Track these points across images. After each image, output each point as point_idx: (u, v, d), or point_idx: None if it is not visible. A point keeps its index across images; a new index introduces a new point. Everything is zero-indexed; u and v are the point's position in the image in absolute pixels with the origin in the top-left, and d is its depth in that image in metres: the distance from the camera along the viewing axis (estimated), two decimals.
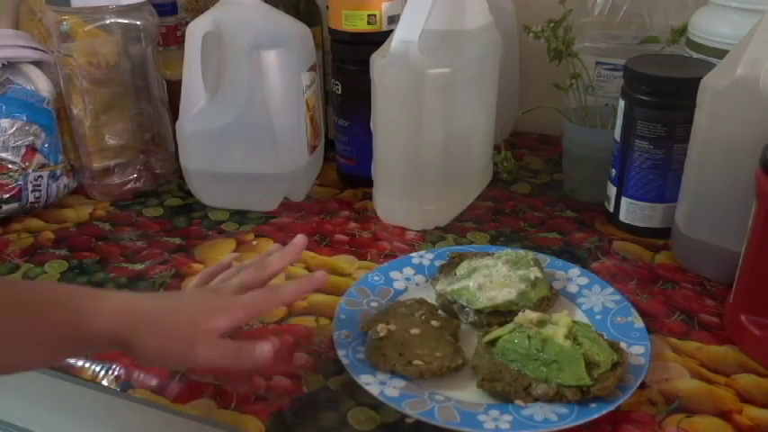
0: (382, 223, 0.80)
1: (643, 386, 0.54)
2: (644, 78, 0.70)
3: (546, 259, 0.69)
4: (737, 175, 0.62)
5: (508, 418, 0.51)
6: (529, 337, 0.54)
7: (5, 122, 0.79)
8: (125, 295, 0.52)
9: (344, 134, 0.87)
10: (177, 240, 0.78)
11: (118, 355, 0.60)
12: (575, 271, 0.68)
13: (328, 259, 0.73)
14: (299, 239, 0.60)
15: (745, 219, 0.58)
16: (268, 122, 0.79)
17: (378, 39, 0.77)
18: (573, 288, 0.66)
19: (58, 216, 0.84)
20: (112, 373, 0.59)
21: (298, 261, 0.64)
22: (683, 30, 0.77)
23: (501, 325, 0.58)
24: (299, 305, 0.66)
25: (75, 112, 0.84)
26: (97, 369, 0.59)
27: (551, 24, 0.79)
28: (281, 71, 0.78)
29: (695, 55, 0.75)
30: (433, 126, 0.73)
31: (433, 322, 0.59)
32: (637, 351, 0.56)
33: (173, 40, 0.95)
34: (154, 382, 0.57)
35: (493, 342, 0.56)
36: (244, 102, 0.78)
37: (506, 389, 0.53)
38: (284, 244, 0.76)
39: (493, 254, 0.67)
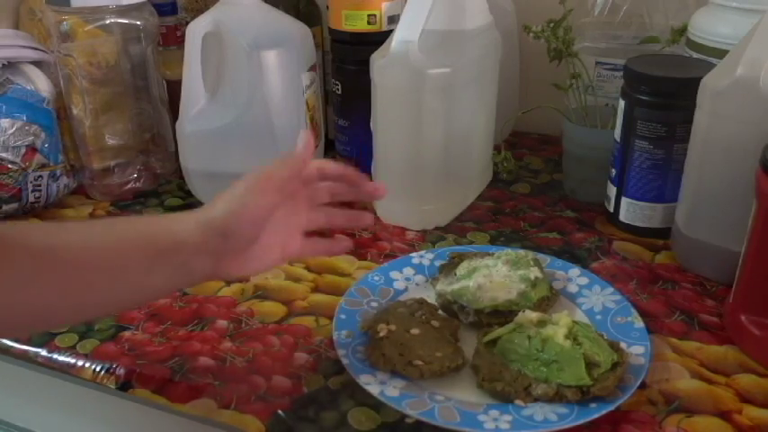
0: (382, 223, 0.80)
1: (643, 386, 0.54)
2: (644, 78, 0.70)
3: (546, 259, 0.69)
4: (737, 175, 0.62)
5: (508, 418, 0.51)
6: (529, 337, 0.54)
7: (5, 122, 0.79)
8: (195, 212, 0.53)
9: (344, 134, 0.87)
10: None
11: (118, 355, 0.60)
12: (575, 271, 0.68)
13: (328, 259, 0.73)
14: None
15: (745, 219, 0.58)
16: (268, 122, 0.79)
17: (378, 39, 0.77)
18: (573, 288, 0.66)
19: (58, 216, 0.84)
20: (112, 373, 0.59)
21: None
22: (683, 30, 0.77)
23: (501, 325, 0.58)
24: (299, 305, 0.66)
25: (75, 112, 0.84)
26: (97, 369, 0.59)
27: (551, 24, 0.79)
28: (281, 71, 0.78)
29: (695, 55, 0.75)
30: (433, 126, 0.73)
31: (433, 322, 0.59)
32: (637, 351, 0.56)
33: (173, 40, 0.95)
34: (154, 382, 0.57)
35: (493, 342, 0.56)
36: (244, 102, 0.78)
37: (506, 389, 0.53)
38: None
39: (493, 254, 0.67)
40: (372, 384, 0.53)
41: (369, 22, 0.81)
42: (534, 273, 0.63)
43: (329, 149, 0.93)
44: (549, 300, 0.63)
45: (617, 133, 0.74)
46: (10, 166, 0.80)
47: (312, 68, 0.85)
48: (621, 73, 0.73)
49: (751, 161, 0.57)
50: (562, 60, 0.80)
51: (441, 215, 0.80)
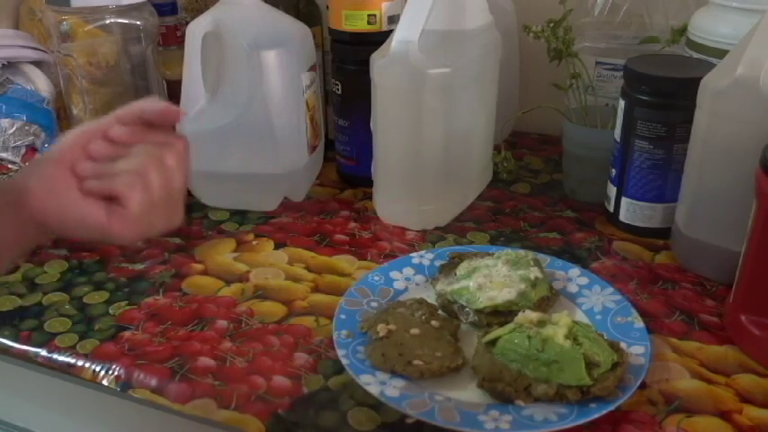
0: (382, 223, 0.80)
1: (643, 386, 0.54)
2: (644, 78, 0.70)
3: (546, 259, 0.69)
4: (737, 175, 0.62)
5: (508, 418, 0.51)
6: (529, 338, 0.54)
7: (5, 122, 0.80)
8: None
9: (344, 134, 0.87)
10: (177, 240, 0.78)
11: (118, 355, 0.60)
12: (575, 271, 0.68)
13: (328, 259, 0.73)
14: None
15: (745, 219, 0.58)
16: (268, 122, 0.79)
17: (378, 39, 0.77)
18: (573, 288, 0.66)
19: None
20: (112, 373, 0.59)
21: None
22: (683, 30, 0.77)
23: (501, 325, 0.58)
24: (299, 305, 0.66)
25: (75, 112, 0.84)
26: (97, 369, 0.59)
27: (551, 24, 0.79)
28: (281, 71, 0.78)
29: (695, 55, 0.75)
30: (432, 126, 0.73)
31: (433, 322, 0.59)
32: (637, 351, 0.56)
33: (173, 40, 0.95)
34: (154, 382, 0.57)
35: (493, 342, 0.56)
36: (244, 102, 0.78)
37: (506, 389, 0.53)
38: (284, 244, 0.76)
39: (493, 254, 0.67)
40: (372, 384, 0.53)
41: (369, 22, 0.81)
42: (534, 273, 0.63)
43: (329, 149, 0.93)
44: (549, 300, 0.63)
45: (617, 133, 0.74)
46: (10, 166, 0.80)
47: (312, 68, 0.85)
48: (621, 73, 0.73)
49: (751, 161, 0.57)
50: (562, 60, 0.80)
51: (440, 215, 0.80)
